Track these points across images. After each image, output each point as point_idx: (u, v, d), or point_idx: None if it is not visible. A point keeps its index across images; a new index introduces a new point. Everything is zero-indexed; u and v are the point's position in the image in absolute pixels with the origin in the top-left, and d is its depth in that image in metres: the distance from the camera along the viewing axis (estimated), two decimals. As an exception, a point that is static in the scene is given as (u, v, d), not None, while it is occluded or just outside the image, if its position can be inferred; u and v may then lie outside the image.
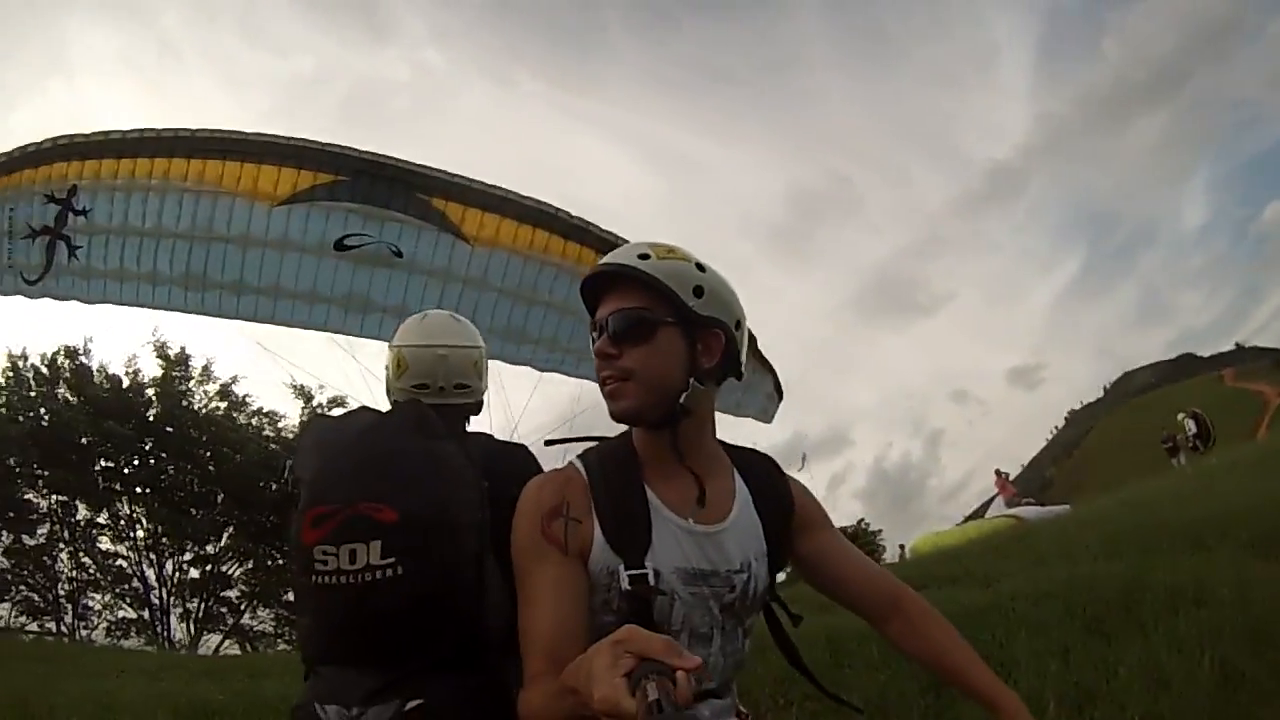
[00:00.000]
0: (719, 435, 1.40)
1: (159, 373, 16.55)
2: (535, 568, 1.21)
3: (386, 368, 2.11)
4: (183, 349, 16.89)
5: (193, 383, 17.07)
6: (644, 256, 1.23)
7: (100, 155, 3.56)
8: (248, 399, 17.67)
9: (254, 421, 17.66)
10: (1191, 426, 16.76)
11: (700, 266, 1.27)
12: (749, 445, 1.48)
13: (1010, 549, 7.16)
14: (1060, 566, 5.21)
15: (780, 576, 1.43)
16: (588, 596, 1.20)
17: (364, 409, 1.81)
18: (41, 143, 3.63)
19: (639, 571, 1.20)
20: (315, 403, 17.23)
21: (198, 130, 3.54)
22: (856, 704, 1.53)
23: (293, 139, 3.50)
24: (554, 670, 1.04)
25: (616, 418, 1.27)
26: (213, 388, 17.35)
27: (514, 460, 1.51)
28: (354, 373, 3.71)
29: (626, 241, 3.99)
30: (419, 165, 3.47)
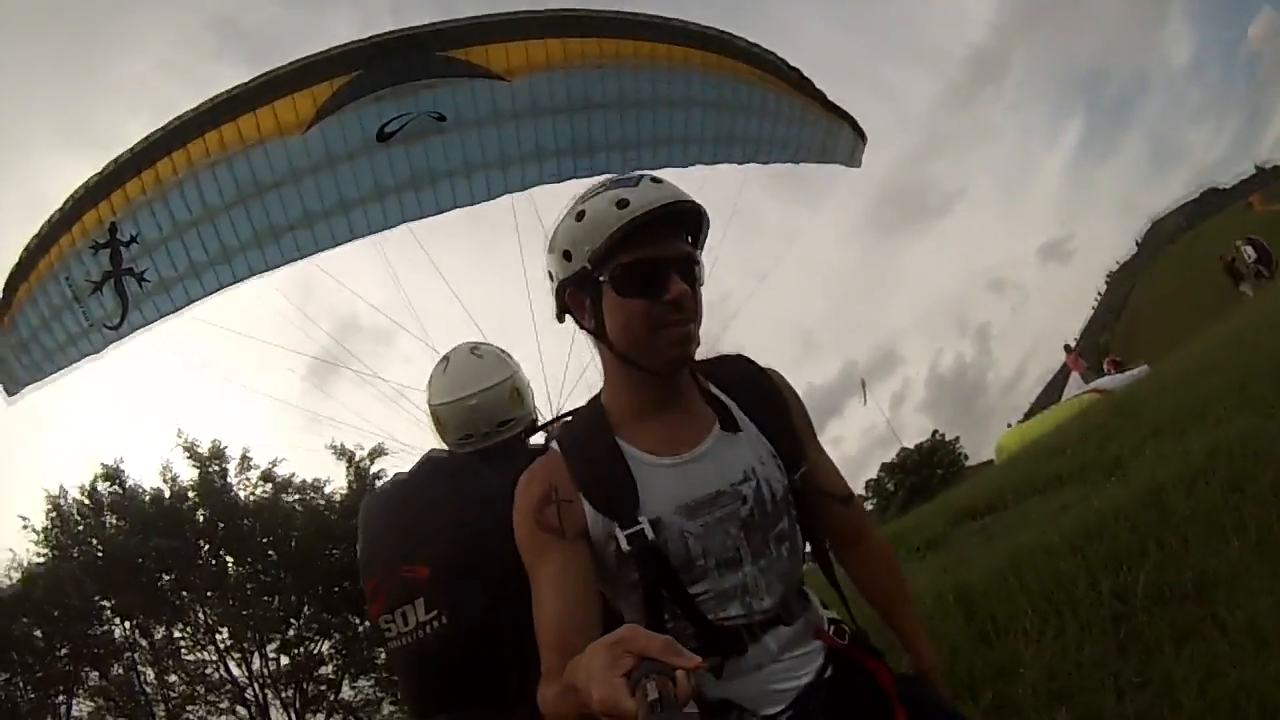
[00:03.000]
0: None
1: (190, 476, 16.83)
2: (538, 562, 1.24)
3: (434, 427, 2.15)
4: (215, 443, 17.17)
5: (232, 474, 17.32)
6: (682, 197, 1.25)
7: (121, 182, 3.52)
8: (292, 477, 17.93)
9: (302, 496, 17.89)
10: (1251, 253, 16.41)
11: None
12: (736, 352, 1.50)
13: (1115, 426, 6.58)
14: (1193, 433, 4.54)
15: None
16: (594, 578, 1.24)
17: (396, 475, 2.07)
18: (63, 205, 3.60)
19: (634, 529, 1.22)
20: (358, 459, 17.44)
21: (197, 108, 3.44)
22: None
23: (288, 64, 3.39)
24: (564, 662, 1.05)
25: (682, 362, 1.30)
26: (254, 475, 17.60)
27: None
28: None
29: (651, 20, 3.71)
30: (425, 26, 3.38)
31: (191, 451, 16.78)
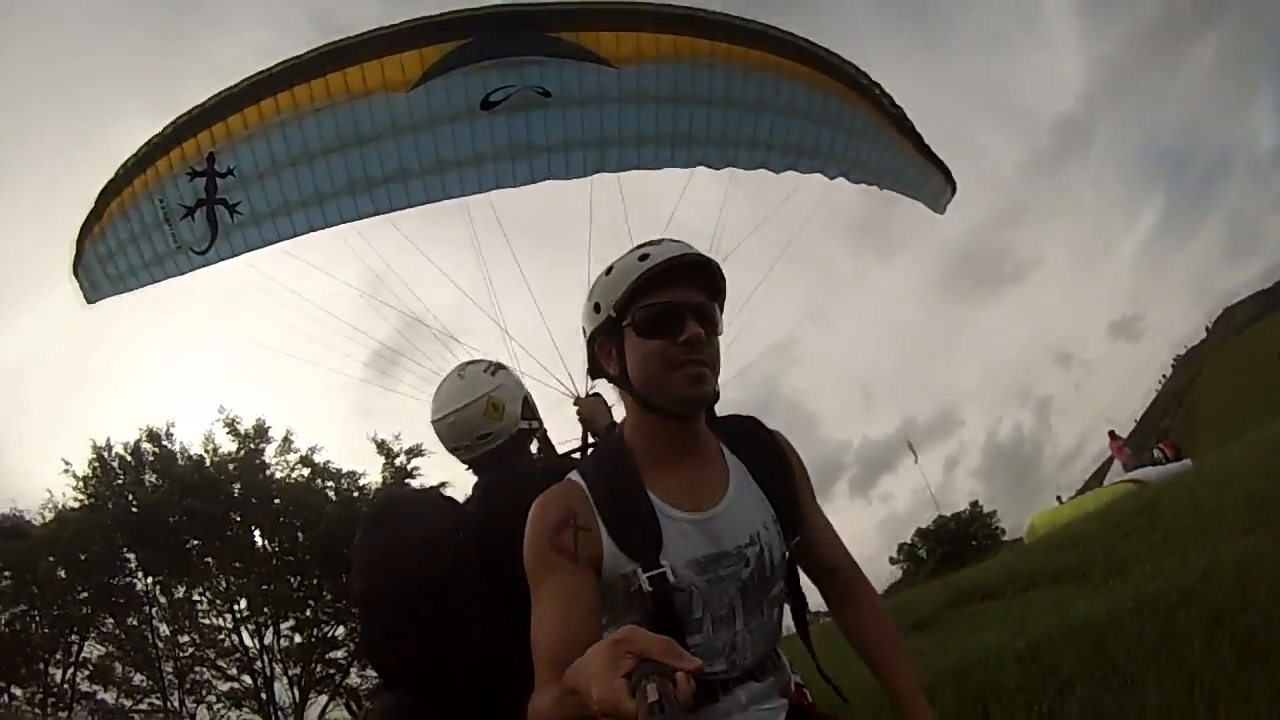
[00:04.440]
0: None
1: (232, 448, 17.36)
2: (544, 580, 1.29)
3: None
4: (260, 421, 17.76)
5: (272, 454, 17.82)
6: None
7: (223, 115, 3.64)
8: (329, 464, 18.37)
9: (338, 484, 18.31)
10: None
11: None
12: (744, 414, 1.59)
13: (1133, 524, 6.72)
14: (1195, 549, 4.62)
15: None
16: (598, 604, 1.30)
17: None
18: (163, 129, 3.73)
19: (657, 571, 1.29)
20: (395, 455, 17.79)
21: (305, 54, 3.57)
22: (845, 694, 1.66)
23: (402, 23, 3.50)
24: (559, 677, 1.07)
25: (698, 403, 1.37)
26: (294, 457, 18.07)
27: (513, 489, 1.86)
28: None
29: (765, 30, 3.75)
30: (541, 3, 3.46)
31: (232, 427, 17.40)
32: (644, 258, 1.36)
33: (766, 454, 1.49)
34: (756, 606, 1.38)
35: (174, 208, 3.73)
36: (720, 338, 1.42)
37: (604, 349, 1.44)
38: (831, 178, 4.14)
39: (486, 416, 2.34)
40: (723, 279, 1.42)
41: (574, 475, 1.42)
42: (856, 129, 4.12)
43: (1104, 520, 7.97)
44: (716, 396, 1.40)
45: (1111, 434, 19.61)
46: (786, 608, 1.51)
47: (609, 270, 1.42)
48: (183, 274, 3.76)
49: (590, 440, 2.80)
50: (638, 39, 3.47)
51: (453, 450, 2.40)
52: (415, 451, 17.91)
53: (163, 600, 16.75)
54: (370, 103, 3.44)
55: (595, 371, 1.51)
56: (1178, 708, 2.69)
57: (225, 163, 3.66)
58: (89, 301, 4.04)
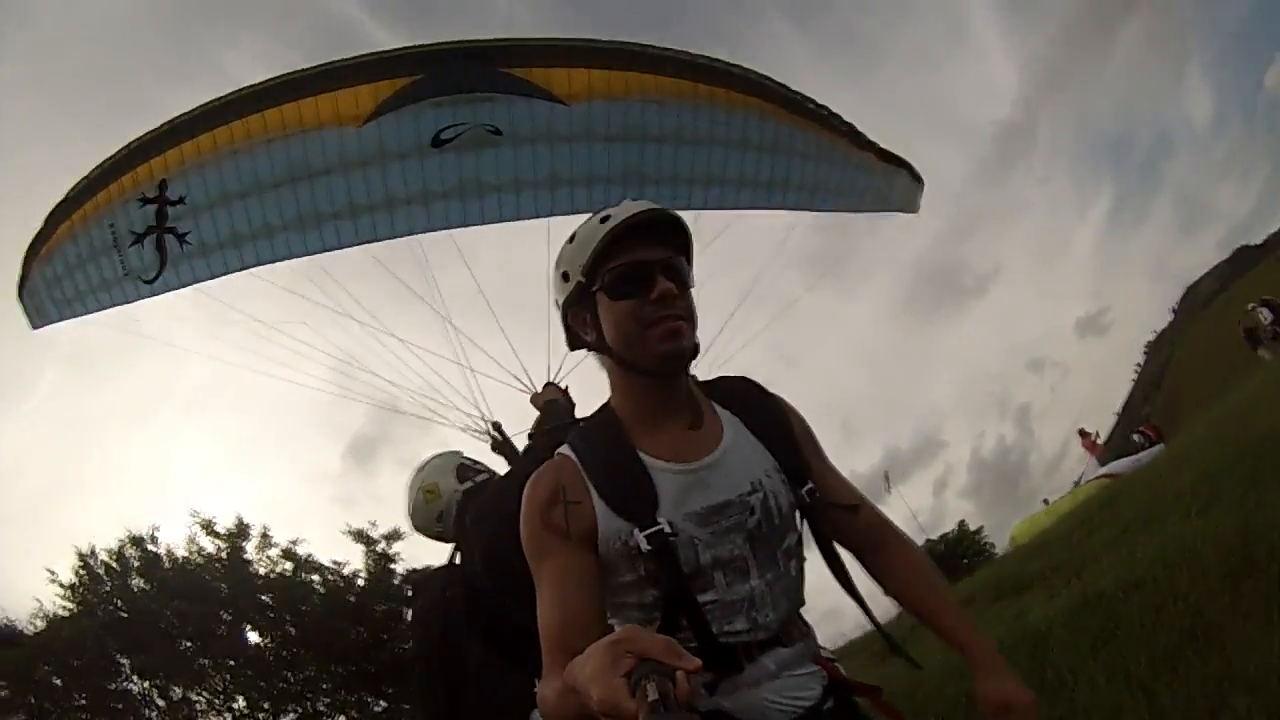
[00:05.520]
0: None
1: (214, 548, 17.39)
2: (542, 564, 1.30)
3: None
4: (239, 519, 17.74)
5: (251, 551, 18.05)
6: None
7: (176, 142, 3.65)
8: (311, 557, 18.55)
9: (323, 576, 18.52)
10: (1267, 315, 16.17)
11: None
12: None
13: (1098, 520, 6.76)
14: (1151, 534, 4.70)
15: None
16: (597, 582, 1.29)
17: None
18: (115, 154, 3.73)
19: (654, 529, 1.27)
20: (375, 541, 18.05)
21: (262, 83, 3.59)
22: (917, 661, 1.58)
23: (358, 56, 3.53)
24: (565, 662, 1.08)
25: (676, 358, 1.36)
26: (275, 552, 18.30)
27: (478, 528, 2.07)
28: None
29: (712, 64, 3.82)
30: (493, 40, 3.50)
31: (208, 528, 17.41)
32: (605, 219, 1.36)
33: (762, 408, 1.49)
34: (770, 558, 1.35)
35: (124, 233, 3.73)
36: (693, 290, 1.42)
37: (577, 317, 1.43)
38: (793, 209, 4.21)
39: (429, 504, 2.74)
40: (688, 233, 1.41)
41: (563, 448, 1.41)
42: (811, 153, 4.18)
43: (1073, 520, 8.06)
44: (696, 350, 1.39)
45: (1081, 432, 20.03)
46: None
47: (572, 238, 1.41)
48: (130, 302, 3.78)
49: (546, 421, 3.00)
50: (589, 75, 3.50)
51: (438, 539, 2.77)
52: (394, 536, 18.00)
53: (161, 703, 16.74)
54: (322, 136, 3.47)
55: (574, 343, 1.50)
56: (1111, 703, 2.79)
57: (177, 190, 3.67)
58: (35, 326, 4.04)
